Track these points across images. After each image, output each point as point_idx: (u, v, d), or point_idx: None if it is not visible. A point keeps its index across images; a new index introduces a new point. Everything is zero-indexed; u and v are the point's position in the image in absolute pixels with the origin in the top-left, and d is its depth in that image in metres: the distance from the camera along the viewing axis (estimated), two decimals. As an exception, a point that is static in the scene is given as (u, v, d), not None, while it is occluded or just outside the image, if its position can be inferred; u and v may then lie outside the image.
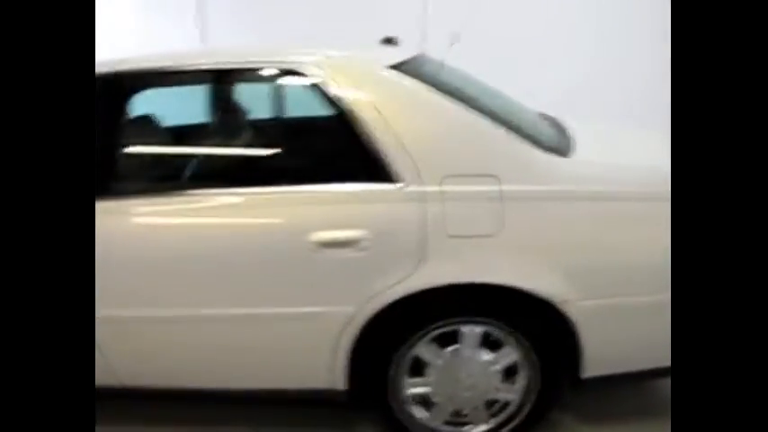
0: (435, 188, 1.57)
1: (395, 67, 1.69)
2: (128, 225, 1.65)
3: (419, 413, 1.78)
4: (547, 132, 1.87)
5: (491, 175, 1.58)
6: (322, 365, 1.68)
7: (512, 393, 1.74)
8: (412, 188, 1.58)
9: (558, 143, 1.77)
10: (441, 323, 1.66)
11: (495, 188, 1.56)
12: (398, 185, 1.58)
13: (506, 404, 1.76)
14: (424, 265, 1.57)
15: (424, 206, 1.57)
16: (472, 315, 1.66)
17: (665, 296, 1.57)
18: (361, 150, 1.59)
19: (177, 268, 1.64)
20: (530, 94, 2.29)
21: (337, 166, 1.67)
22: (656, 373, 1.80)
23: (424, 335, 1.68)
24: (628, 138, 2.12)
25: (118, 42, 4.66)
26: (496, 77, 2.48)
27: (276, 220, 1.62)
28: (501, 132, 1.63)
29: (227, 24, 4.83)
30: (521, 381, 1.73)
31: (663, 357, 1.69)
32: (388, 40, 2.18)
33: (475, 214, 1.57)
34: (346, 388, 1.74)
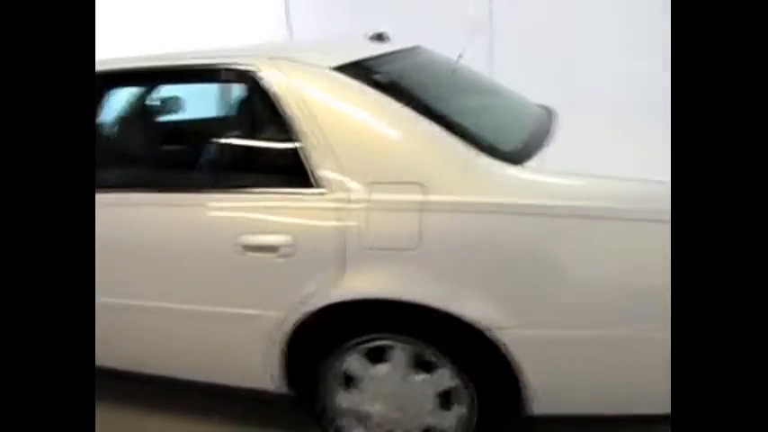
0: (358, 196, 1.49)
1: (340, 68, 1.62)
2: None
3: (355, 428, 1.71)
4: (513, 134, 1.68)
5: (417, 184, 1.46)
6: (259, 367, 1.69)
7: (449, 421, 1.61)
8: (335, 195, 1.51)
9: (517, 147, 1.58)
10: (366, 338, 1.58)
11: (419, 198, 1.44)
12: (322, 192, 1.52)
13: (444, 432, 1.63)
14: (342, 276, 1.51)
15: (346, 214, 1.50)
16: (397, 333, 1.55)
17: (621, 332, 1.40)
18: (292, 155, 1.56)
19: (125, 261, 1.72)
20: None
21: (271, 170, 1.65)
22: (631, 420, 1.55)
23: (352, 348, 1.61)
24: (631, 138, 1.83)
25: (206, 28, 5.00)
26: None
27: (212, 222, 1.64)
28: (437, 137, 1.50)
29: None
30: (458, 408, 1.59)
31: (630, 403, 1.49)
32: (378, 36, 2.10)
33: (395, 225, 1.47)
34: (287, 392, 1.73)
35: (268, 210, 1.58)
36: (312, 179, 1.53)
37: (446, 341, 1.52)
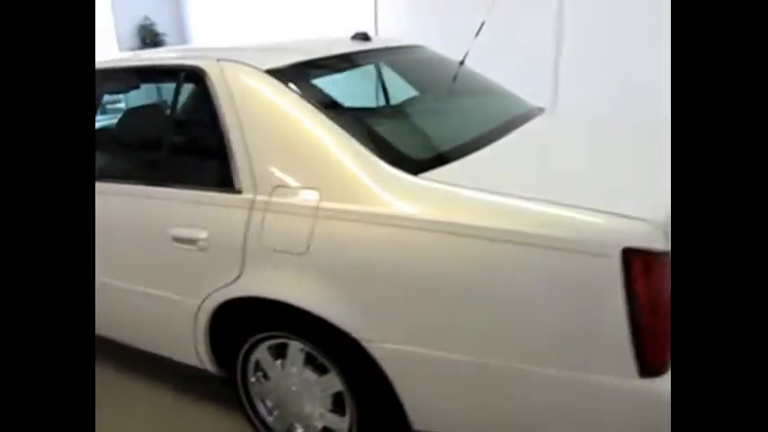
0: (264, 198, 1.57)
1: (273, 71, 1.68)
2: None
3: (267, 416, 1.80)
4: (440, 141, 1.66)
5: (314, 189, 1.50)
6: (191, 347, 1.83)
7: (341, 424, 1.64)
8: (246, 196, 1.60)
9: (429, 156, 1.55)
10: (268, 334, 1.66)
11: (313, 203, 1.49)
12: (237, 192, 1.62)
13: (338, 434, 1.67)
14: (243, 273, 1.60)
15: (252, 215, 1.58)
16: (291, 333, 1.61)
17: (498, 362, 1.35)
18: (220, 154, 1.66)
19: None
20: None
21: (202, 167, 1.77)
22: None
23: (260, 341, 1.69)
24: (603, 153, 1.73)
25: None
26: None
27: (149, 213, 1.80)
28: (338, 142, 1.52)
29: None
30: (348, 413, 1.62)
31: None
32: (362, 36, 2.13)
33: (290, 228, 1.53)
34: (218, 373, 1.86)
35: (194, 205, 1.71)
36: (231, 179, 1.63)
37: (332, 346, 1.55)
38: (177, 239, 1.71)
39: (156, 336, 1.96)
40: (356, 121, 1.61)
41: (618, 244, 1.18)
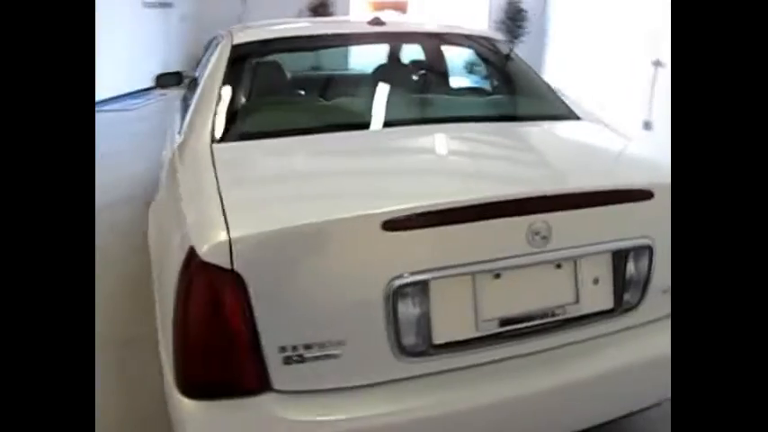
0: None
1: (239, 45, 2.00)
2: None
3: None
4: (282, 118, 1.88)
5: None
6: None
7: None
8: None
9: (252, 129, 1.77)
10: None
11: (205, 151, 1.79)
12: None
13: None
14: None
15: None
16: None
17: None
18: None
19: None
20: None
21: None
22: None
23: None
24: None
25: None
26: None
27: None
28: (210, 107, 1.80)
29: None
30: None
31: None
32: (376, 21, 2.23)
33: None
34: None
35: (191, 143, 2.15)
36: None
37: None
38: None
39: None
40: (237, 93, 1.85)
41: (191, 242, 1.18)
